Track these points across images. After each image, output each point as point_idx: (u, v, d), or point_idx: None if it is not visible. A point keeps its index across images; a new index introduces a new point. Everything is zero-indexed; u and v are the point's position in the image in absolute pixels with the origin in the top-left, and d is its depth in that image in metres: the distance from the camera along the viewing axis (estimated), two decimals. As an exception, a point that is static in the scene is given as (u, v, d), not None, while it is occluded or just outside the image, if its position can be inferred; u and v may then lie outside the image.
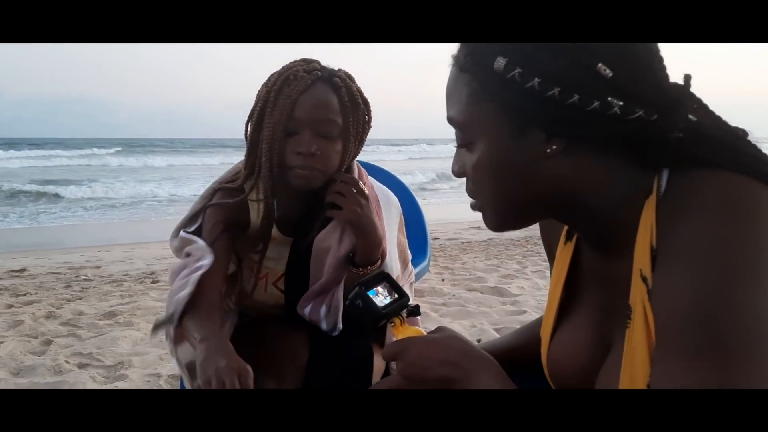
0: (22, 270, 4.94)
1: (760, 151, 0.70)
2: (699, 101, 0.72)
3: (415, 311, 1.00)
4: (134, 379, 2.55)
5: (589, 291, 0.82)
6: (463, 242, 6.01)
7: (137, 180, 14.67)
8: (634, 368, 0.68)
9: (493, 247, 5.64)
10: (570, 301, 0.85)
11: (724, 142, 0.69)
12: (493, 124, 0.71)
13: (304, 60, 1.34)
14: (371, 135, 1.41)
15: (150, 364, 2.72)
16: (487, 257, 5.18)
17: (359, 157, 1.46)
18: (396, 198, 1.56)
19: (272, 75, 1.32)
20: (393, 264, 1.45)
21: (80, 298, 3.93)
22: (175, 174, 15.93)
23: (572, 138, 0.69)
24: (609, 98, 0.65)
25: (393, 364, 0.91)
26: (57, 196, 11.68)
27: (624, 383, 0.70)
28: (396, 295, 0.99)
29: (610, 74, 0.65)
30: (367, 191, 1.38)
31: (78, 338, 3.08)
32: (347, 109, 1.31)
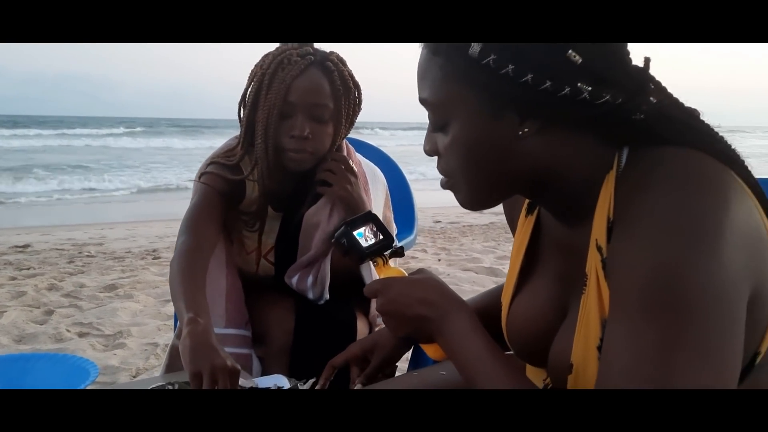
0: (26, 246, 5.01)
1: (713, 129, 0.74)
2: (658, 83, 0.75)
3: (398, 252, 1.04)
4: (132, 348, 2.63)
5: (549, 261, 0.86)
6: (464, 225, 6.06)
7: (147, 160, 14.70)
8: (587, 332, 0.72)
9: (492, 230, 5.70)
10: (530, 270, 0.89)
11: (681, 121, 0.73)
12: (467, 107, 0.74)
13: (298, 44, 1.38)
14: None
15: (148, 334, 2.79)
16: (486, 239, 5.24)
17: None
18: (382, 174, 1.62)
19: (266, 56, 1.37)
20: None
21: (82, 272, 4.01)
22: (185, 158, 15.93)
23: (545, 120, 0.73)
24: (579, 83, 0.69)
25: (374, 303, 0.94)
26: (61, 173, 11.74)
27: (578, 346, 0.74)
28: (381, 236, 1.02)
29: (580, 60, 0.69)
30: (355, 168, 1.43)
31: (79, 309, 3.16)
32: (339, 93, 1.37)
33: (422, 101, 0.78)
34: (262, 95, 1.34)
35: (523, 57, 0.69)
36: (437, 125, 0.78)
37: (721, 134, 0.74)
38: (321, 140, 1.37)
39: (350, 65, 1.42)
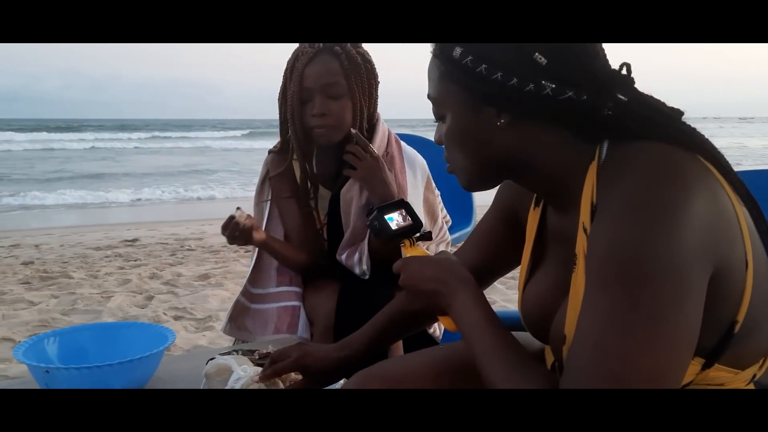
0: (135, 240, 5.48)
1: (685, 124, 0.82)
2: (630, 84, 0.83)
3: (425, 236, 1.15)
4: (218, 330, 2.87)
5: (553, 247, 0.96)
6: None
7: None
8: (576, 306, 0.80)
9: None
10: (539, 258, 1.00)
11: (652, 118, 0.81)
12: (455, 101, 0.87)
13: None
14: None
15: (234, 318, 3.05)
16: None
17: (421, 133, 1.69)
18: (423, 160, 1.76)
19: (293, 53, 1.57)
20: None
21: (181, 263, 4.38)
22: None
23: (516, 113, 0.83)
24: (543, 81, 0.79)
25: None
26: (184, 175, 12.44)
27: (569, 319, 0.83)
28: (410, 221, 1.14)
29: (545, 62, 0.79)
30: (381, 153, 1.59)
31: (175, 295, 3.49)
32: (348, 71, 1.54)
33: (428, 96, 0.92)
34: (288, 87, 1.56)
35: (493, 58, 0.81)
36: (438, 117, 0.92)
37: (693, 128, 0.81)
38: (340, 115, 1.55)
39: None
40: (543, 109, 0.81)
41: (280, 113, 1.61)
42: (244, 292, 1.71)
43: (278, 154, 1.68)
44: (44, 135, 23.62)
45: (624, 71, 0.83)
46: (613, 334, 0.69)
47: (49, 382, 1.22)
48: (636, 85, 0.83)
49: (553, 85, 0.79)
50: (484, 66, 0.81)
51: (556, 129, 0.84)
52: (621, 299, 0.70)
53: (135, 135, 24.78)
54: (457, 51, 0.83)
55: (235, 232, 1.51)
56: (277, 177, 1.67)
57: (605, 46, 0.85)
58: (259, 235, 1.56)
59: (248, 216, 1.55)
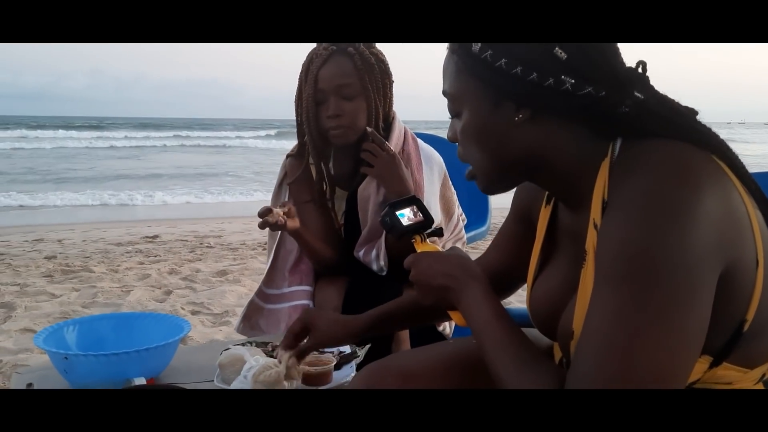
0: (155, 237, 5.54)
1: (700, 124, 0.82)
2: (646, 83, 0.83)
3: (437, 233, 1.15)
4: (235, 325, 2.91)
5: (563, 244, 0.96)
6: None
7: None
8: (585, 302, 0.80)
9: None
10: (548, 255, 1.00)
11: (668, 117, 0.81)
12: (473, 96, 0.87)
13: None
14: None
15: (250, 314, 3.08)
16: None
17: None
18: (440, 157, 1.76)
19: (307, 55, 1.58)
20: (434, 213, 1.65)
21: (200, 260, 4.42)
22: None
23: (535, 108, 0.83)
24: (563, 76, 0.79)
25: None
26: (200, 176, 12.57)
27: (577, 315, 0.83)
28: (421, 217, 1.14)
29: (565, 56, 0.79)
30: (397, 150, 1.60)
31: (193, 290, 3.54)
32: (362, 71, 1.54)
33: (443, 93, 0.92)
34: (303, 89, 1.57)
35: (514, 53, 0.81)
36: (454, 113, 0.91)
37: (708, 127, 0.81)
38: (354, 115, 1.56)
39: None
40: (562, 105, 0.81)
41: (297, 116, 1.62)
42: (259, 293, 1.74)
43: (296, 158, 1.69)
44: (70, 133, 23.97)
45: (640, 69, 0.82)
46: (621, 333, 0.70)
47: (67, 369, 1.25)
48: (652, 84, 0.83)
49: (573, 81, 0.79)
50: (504, 60, 0.81)
51: (573, 125, 0.84)
52: (630, 298, 0.70)
53: (157, 134, 25.03)
54: (477, 46, 0.83)
55: (272, 216, 1.51)
56: (296, 182, 1.68)
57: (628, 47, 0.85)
58: (293, 223, 1.57)
59: (285, 202, 1.57)
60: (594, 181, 0.83)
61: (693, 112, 0.83)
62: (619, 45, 0.85)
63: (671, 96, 0.85)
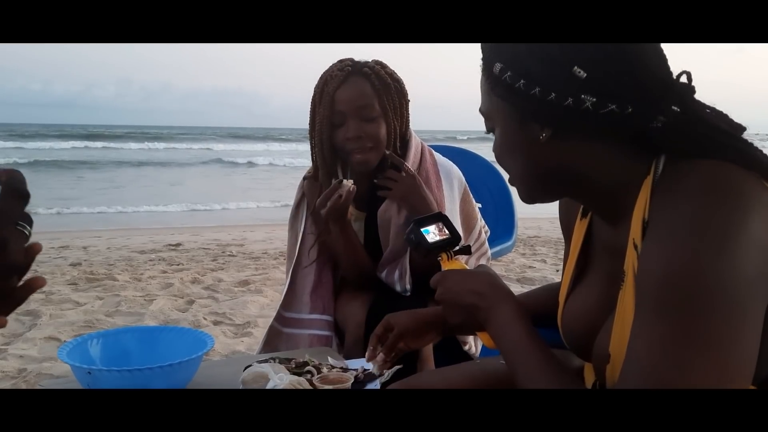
0: (178, 245, 5.58)
1: (745, 141, 0.79)
2: (688, 96, 0.79)
3: (464, 250, 1.13)
4: (257, 336, 2.91)
5: (599, 260, 0.94)
6: (543, 238, 5.96)
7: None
8: (624, 325, 0.79)
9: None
10: (583, 271, 0.97)
11: (707, 134, 0.78)
12: (501, 115, 0.86)
13: (339, 60, 1.58)
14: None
15: (272, 325, 3.08)
16: (557, 251, 5.14)
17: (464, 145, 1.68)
18: (459, 171, 1.74)
19: (320, 77, 1.56)
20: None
21: (222, 269, 4.44)
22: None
23: (557, 128, 0.82)
24: (582, 95, 0.77)
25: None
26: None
27: (615, 338, 0.81)
28: (447, 234, 1.12)
29: (584, 75, 0.77)
30: (414, 169, 1.58)
31: (215, 300, 3.55)
32: (380, 92, 1.53)
33: (480, 111, 0.91)
34: (317, 111, 1.55)
35: (531, 73, 0.79)
36: (489, 130, 0.91)
37: (754, 146, 0.78)
38: (376, 137, 1.54)
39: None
40: (585, 124, 0.79)
41: (311, 138, 1.60)
42: (278, 317, 1.72)
43: (312, 180, 1.67)
44: (97, 143, 24.34)
45: (684, 79, 0.79)
46: (667, 364, 0.68)
47: (91, 383, 1.25)
48: (696, 96, 0.80)
49: (594, 99, 0.77)
50: (522, 81, 0.80)
51: (604, 142, 0.81)
52: (676, 327, 0.68)
53: (182, 145, 25.30)
54: (497, 67, 0.82)
55: (338, 198, 1.47)
56: (316, 210, 1.62)
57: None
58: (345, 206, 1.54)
59: (355, 188, 1.51)
60: (635, 198, 0.80)
61: (740, 129, 0.80)
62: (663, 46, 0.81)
63: (720, 107, 0.81)
